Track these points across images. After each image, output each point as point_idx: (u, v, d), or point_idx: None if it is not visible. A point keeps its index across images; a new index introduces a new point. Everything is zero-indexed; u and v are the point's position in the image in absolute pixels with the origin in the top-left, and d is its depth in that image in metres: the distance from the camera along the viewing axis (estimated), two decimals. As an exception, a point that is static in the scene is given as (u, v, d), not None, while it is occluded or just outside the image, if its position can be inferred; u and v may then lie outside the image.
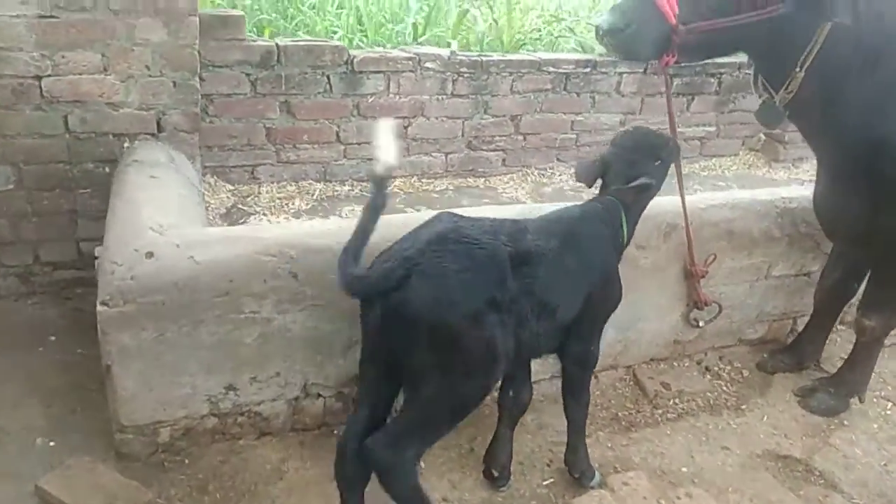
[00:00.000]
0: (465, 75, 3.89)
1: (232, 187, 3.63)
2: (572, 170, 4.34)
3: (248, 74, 3.46)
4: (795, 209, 3.02)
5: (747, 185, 4.41)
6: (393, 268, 1.58)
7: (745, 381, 3.02)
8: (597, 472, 2.35)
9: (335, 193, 3.81)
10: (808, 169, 4.97)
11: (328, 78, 3.61)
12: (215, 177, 3.59)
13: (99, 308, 1.96)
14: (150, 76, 2.83)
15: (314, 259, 2.20)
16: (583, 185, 2.27)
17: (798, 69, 2.32)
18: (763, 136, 5.05)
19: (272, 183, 3.71)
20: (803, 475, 2.52)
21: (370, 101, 3.74)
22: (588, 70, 4.19)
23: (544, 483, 2.37)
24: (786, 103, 2.42)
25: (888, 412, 2.88)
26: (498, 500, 2.28)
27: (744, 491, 2.40)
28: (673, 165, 2.41)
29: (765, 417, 2.80)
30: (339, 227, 2.37)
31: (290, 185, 3.75)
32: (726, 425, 2.74)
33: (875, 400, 2.93)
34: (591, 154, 4.18)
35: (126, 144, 2.90)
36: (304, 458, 2.34)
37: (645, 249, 2.70)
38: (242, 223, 3.32)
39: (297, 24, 4.36)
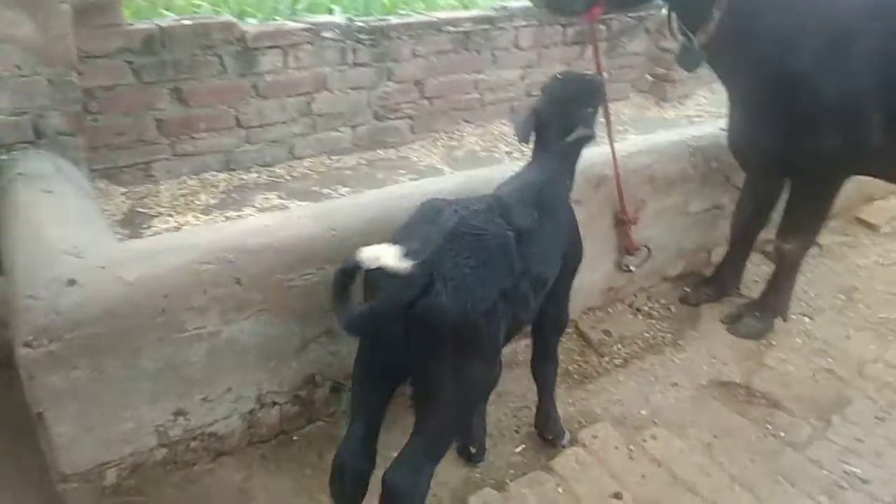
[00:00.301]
0: (366, 43, 3.70)
1: (125, 190, 3.27)
2: (480, 130, 4.37)
3: (129, 63, 3.10)
4: (706, 147, 3.14)
5: (642, 127, 4.55)
6: (414, 275, 1.45)
7: (674, 316, 3.15)
8: (566, 431, 2.38)
9: (242, 183, 3.53)
10: (692, 105, 5.23)
11: (220, 58, 3.31)
12: (105, 180, 3.22)
13: (21, 351, 1.71)
14: (20, 76, 2.47)
15: (255, 260, 2.04)
16: (523, 144, 2.18)
17: (714, 10, 2.37)
18: (650, 78, 5.22)
19: (171, 179, 3.38)
20: (746, 398, 2.67)
21: (269, 79, 3.48)
22: (487, 27, 4.12)
23: (517, 451, 2.37)
24: (703, 45, 2.47)
25: (808, 327, 3.11)
26: (476, 475, 2.26)
27: (700, 424, 2.51)
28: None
29: (702, 349, 2.93)
30: (274, 221, 2.22)
31: (192, 180, 3.43)
32: (670, 362, 2.85)
33: (794, 317, 3.14)
34: (518, 109, 4.13)
35: (3, 157, 2.53)
36: (269, 472, 2.20)
37: (579, 203, 2.71)
38: (147, 228, 3.01)
39: (152, 1, 3.95)
